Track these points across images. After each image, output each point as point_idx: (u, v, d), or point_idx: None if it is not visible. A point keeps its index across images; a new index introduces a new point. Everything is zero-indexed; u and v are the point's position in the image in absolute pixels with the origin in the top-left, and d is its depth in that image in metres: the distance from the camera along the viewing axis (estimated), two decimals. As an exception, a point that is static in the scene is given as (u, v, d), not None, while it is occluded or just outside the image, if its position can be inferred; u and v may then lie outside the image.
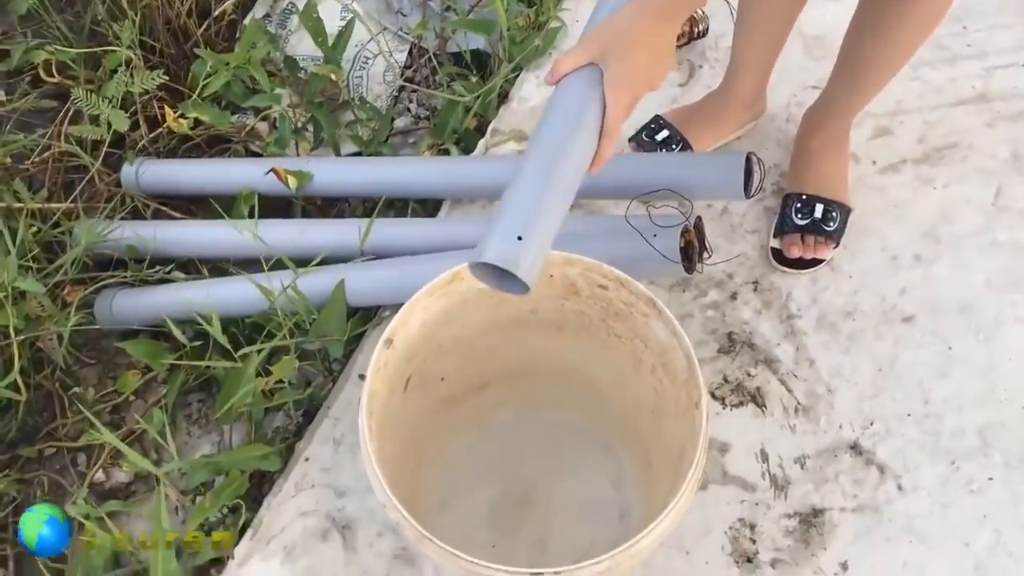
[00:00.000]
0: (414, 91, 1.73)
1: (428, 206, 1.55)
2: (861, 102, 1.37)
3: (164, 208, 1.57)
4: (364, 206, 1.58)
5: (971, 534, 1.22)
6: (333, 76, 1.61)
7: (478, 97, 1.61)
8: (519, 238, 0.89)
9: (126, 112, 1.50)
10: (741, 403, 1.33)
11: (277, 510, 1.26)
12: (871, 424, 1.30)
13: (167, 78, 1.53)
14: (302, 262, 1.34)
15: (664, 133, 1.50)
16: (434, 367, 1.17)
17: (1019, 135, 1.56)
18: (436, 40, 1.72)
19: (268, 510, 1.26)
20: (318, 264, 1.33)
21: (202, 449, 1.40)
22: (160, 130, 1.59)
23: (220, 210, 1.47)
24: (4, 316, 1.29)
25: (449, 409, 1.26)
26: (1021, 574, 1.19)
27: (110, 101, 1.47)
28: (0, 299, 1.29)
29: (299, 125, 1.64)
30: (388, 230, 1.41)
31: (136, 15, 1.56)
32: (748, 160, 1.27)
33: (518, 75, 1.68)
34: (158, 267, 1.46)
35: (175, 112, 1.55)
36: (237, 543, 1.24)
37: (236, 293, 1.38)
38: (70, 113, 1.55)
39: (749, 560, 1.21)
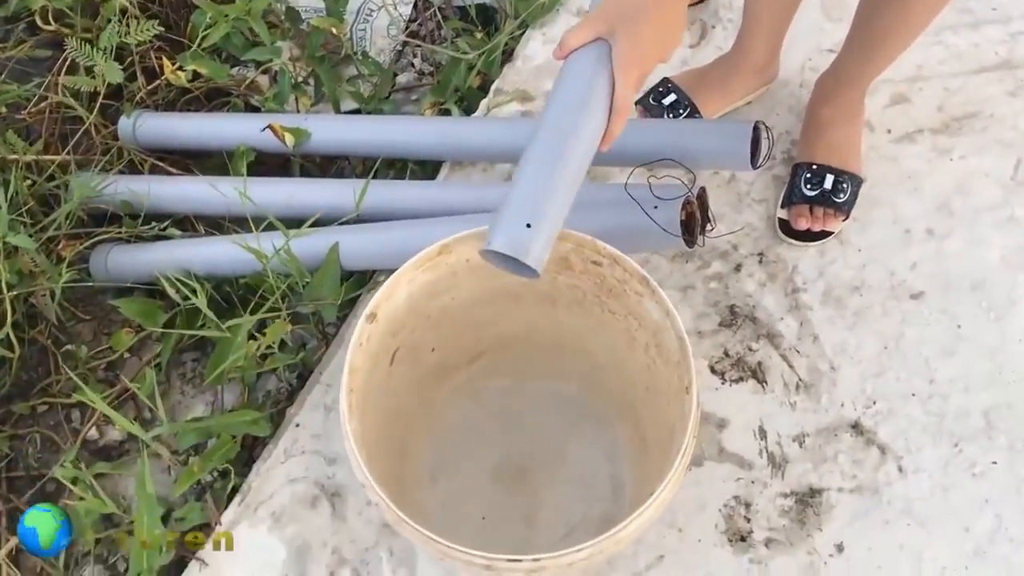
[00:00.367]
0: (418, 46, 1.68)
1: (427, 167, 1.52)
2: (875, 70, 1.32)
3: (161, 164, 1.55)
4: (364, 164, 1.55)
5: (971, 518, 1.20)
6: (335, 30, 1.56)
7: (482, 54, 1.56)
8: (528, 225, 0.90)
9: (123, 63, 1.47)
10: (741, 378, 1.30)
11: (266, 476, 1.25)
12: (874, 403, 1.27)
13: (162, 29, 1.49)
14: (298, 222, 1.31)
15: (671, 97, 1.45)
16: (424, 338, 1.15)
17: (1043, 105, 1.50)
18: (442, -7, 1.68)
19: (257, 476, 1.25)
20: (313, 225, 1.31)
21: (196, 409, 1.39)
22: (158, 82, 1.55)
23: (217, 166, 1.44)
24: (-4, 271, 1.28)
25: (441, 380, 1.24)
26: (1021, 560, 1.17)
27: (104, 52, 1.43)
28: (-8, 254, 1.28)
29: (299, 80, 1.60)
30: (385, 192, 1.37)
31: (135, -38, 1.52)
32: (756, 129, 1.22)
33: (524, 32, 1.62)
34: (153, 223, 1.44)
35: (173, 64, 1.52)
36: (225, 508, 1.23)
37: (230, 253, 1.35)
38: (67, 63, 1.51)
39: (743, 539, 1.19)
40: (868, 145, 1.44)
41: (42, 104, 1.53)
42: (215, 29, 1.52)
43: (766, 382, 1.30)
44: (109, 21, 1.48)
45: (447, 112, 1.55)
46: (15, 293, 1.32)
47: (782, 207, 1.39)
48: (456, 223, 1.24)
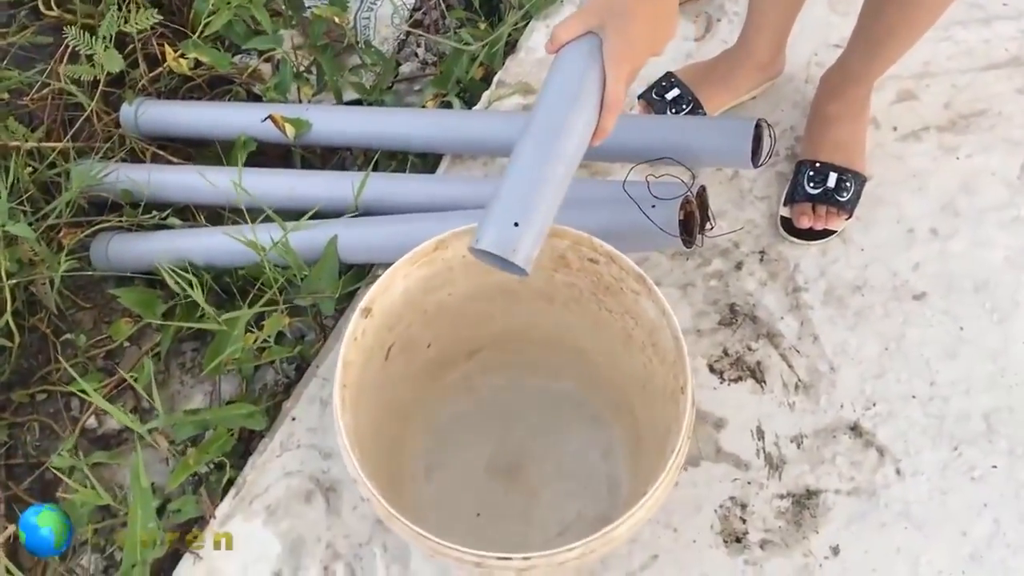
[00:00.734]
0: (421, 35, 1.67)
1: (428, 160, 1.51)
2: (881, 67, 1.30)
3: (162, 152, 1.54)
4: (365, 156, 1.54)
5: (969, 523, 1.19)
6: (337, 19, 1.55)
7: (485, 46, 1.55)
8: (516, 224, 0.89)
9: (124, 51, 1.46)
10: (740, 378, 1.29)
11: (262, 469, 1.25)
12: (873, 405, 1.26)
13: (161, 17, 1.48)
14: (299, 214, 1.31)
15: (674, 92, 1.43)
16: (420, 333, 1.14)
17: (1053, 103, 1.48)
18: (446, -18, 1.67)
19: (252, 469, 1.25)
20: (313, 217, 1.30)
21: (195, 398, 1.39)
22: (160, 70, 1.55)
23: (218, 154, 1.44)
24: (-4, 259, 1.28)
25: (437, 375, 1.23)
26: (1018, 566, 1.16)
27: (104, 40, 1.43)
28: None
29: (301, 69, 1.59)
30: (385, 185, 1.37)
31: (137, -53, 1.51)
32: (758, 127, 1.21)
33: (528, 24, 1.61)
34: (154, 212, 1.43)
35: (175, 51, 1.51)
36: (221, 501, 1.23)
37: (229, 244, 1.35)
38: (69, 50, 1.51)
39: (738, 540, 1.19)
40: (873, 142, 1.42)
41: (44, 91, 1.53)
42: (217, 17, 1.51)
43: (765, 382, 1.29)
44: (110, 8, 1.47)
45: (448, 104, 1.54)
46: (15, 281, 1.32)
47: (784, 205, 1.38)
48: (454, 218, 1.23)
